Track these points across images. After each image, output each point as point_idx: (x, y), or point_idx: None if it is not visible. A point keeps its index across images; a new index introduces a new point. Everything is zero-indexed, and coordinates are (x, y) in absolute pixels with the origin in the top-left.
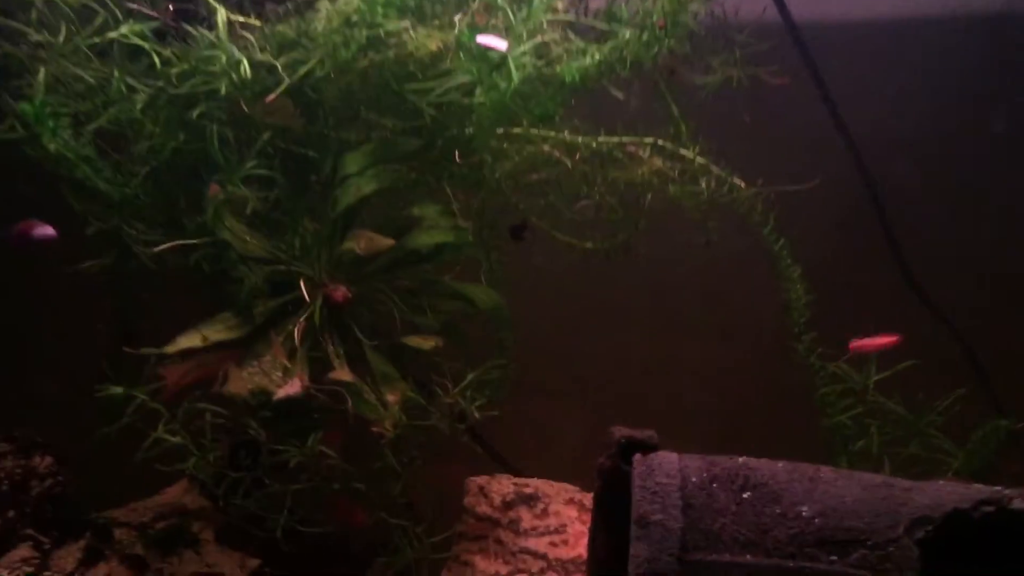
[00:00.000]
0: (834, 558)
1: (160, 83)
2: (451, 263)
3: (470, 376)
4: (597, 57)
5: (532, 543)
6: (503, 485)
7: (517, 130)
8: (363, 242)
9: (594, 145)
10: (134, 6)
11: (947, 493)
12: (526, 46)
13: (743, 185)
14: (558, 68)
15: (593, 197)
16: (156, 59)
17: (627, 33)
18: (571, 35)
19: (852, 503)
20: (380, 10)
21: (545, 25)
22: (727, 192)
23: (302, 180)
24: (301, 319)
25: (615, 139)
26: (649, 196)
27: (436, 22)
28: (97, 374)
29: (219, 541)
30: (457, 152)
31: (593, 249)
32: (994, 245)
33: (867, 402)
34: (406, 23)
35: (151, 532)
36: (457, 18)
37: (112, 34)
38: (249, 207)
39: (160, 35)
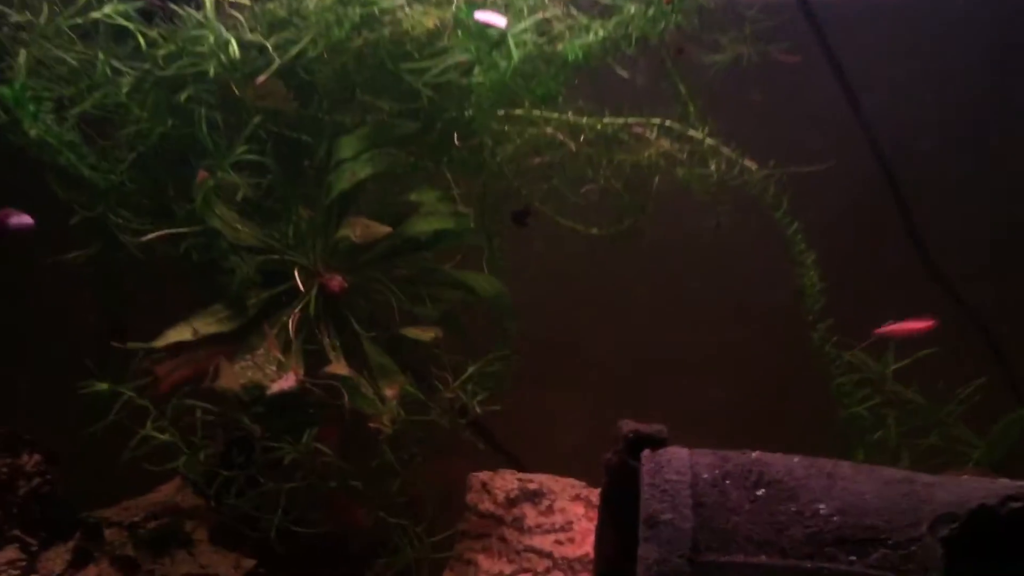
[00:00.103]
0: (854, 558)
1: (146, 65)
2: (451, 250)
3: (471, 368)
4: (601, 34)
5: (537, 541)
6: (507, 481)
7: (518, 111)
8: (359, 229)
9: (599, 126)
10: None
11: (972, 488)
12: (527, 23)
13: (754, 167)
14: (560, 46)
15: (598, 181)
16: (142, 40)
17: (632, 8)
18: (573, 11)
19: (872, 500)
20: None
21: (546, 0)
22: (738, 175)
23: (295, 165)
24: (295, 310)
25: (620, 120)
26: (656, 179)
27: None
28: (84, 369)
29: (213, 541)
30: (456, 135)
31: (598, 235)
32: (1017, 228)
33: (885, 392)
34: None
35: (142, 532)
36: None
37: (96, 14)
38: (240, 194)
39: (146, 15)
